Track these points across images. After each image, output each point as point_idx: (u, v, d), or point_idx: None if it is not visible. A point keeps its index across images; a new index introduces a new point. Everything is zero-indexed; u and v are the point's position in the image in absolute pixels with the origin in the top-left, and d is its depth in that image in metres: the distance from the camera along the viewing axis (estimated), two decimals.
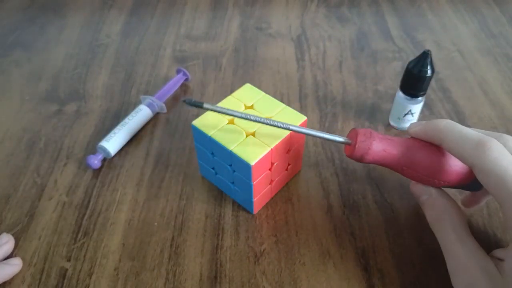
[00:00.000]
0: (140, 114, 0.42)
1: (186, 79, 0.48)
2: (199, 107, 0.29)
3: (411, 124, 0.32)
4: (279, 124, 0.30)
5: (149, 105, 0.43)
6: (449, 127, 0.28)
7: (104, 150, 0.39)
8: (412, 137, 0.32)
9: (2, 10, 0.60)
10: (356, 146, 0.30)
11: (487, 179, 0.26)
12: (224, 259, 0.33)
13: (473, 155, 0.26)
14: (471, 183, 0.31)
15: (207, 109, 0.29)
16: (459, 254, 0.27)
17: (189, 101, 0.29)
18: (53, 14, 0.59)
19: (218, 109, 0.30)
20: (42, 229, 0.35)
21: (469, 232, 0.29)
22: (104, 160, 0.40)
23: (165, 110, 0.45)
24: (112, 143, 0.40)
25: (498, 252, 0.27)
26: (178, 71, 0.47)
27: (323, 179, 0.38)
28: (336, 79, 0.49)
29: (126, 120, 0.41)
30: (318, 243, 0.34)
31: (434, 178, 0.30)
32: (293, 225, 0.35)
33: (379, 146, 0.30)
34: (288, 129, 0.30)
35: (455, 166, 0.30)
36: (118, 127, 0.41)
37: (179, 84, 0.47)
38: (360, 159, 0.31)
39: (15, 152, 0.41)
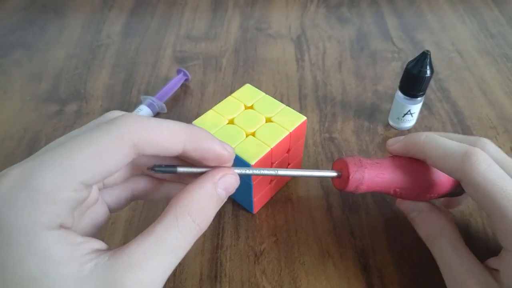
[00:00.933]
0: (140, 115, 0.42)
1: (186, 79, 0.48)
2: (173, 172, 0.21)
3: (389, 141, 0.31)
4: (264, 172, 0.25)
5: (150, 105, 0.43)
6: (431, 142, 0.28)
7: None
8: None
9: (2, 10, 0.60)
10: (350, 178, 0.28)
11: (475, 193, 0.25)
12: (224, 258, 0.33)
13: (460, 169, 0.26)
14: (458, 190, 0.31)
15: (182, 173, 0.22)
16: (457, 269, 0.27)
17: (159, 168, 0.21)
18: (54, 14, 0.60)
19: (195, 170, 0.22)
20: None
21: (464, 244, 0.28)
22: None
23: (165, 110, 0.45)
24: None
25: (492, 262, 0.27)
26: (178, 72, 0.48)
27: (322, 179, 0.38)
28: (335, 79, 0.49)
29: None
30: (318, 242, 0.34)
31: (428, 193, 0.30)
32: (293, 225, 0.35)
33: (372, 173, 0.28)
34: (276, 174, 0.26)
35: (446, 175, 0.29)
36: None
37: (179, 84, 0.47)
38: (354, 191, 0.29)
39: (15, 152, 0.41)
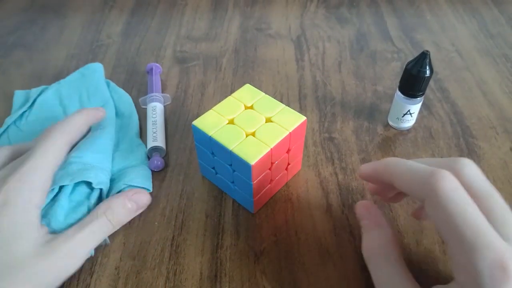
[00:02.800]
0: (160, 111, 0.43)
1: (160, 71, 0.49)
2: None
3: (361, 166, 0.31)
4: None
5: (159, 101, 0.44)
6: (398, 163, 0.27)
7: (160, 150, 0.40)
8: None
9: (3, 10, 0.60)
10: None
11: (436, 214, 0.24)
12: (224, 258, 0.33)
13: (424, 189, 0.24)
14: None
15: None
16: None
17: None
18: (54, 14, 0.60)
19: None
20: None
21: (405, 268, 0.27)
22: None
23: (169, 101, 0.46)
24: (161, 141, 0.40)
25: None
26: (148, 67, 0.48)
27: (322, 179, 0.39)
28: (335, 79, 0.49)
29: (153, 119, 0.42)
30: (318, 242, 0.34)
31: None
32: (292, 225, 0.35)
33: None
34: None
35: None
36: (152, 127, 0.41)
37: (158, 75, 0.48)
38: None
39: None
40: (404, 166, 0.27)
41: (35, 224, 0.29)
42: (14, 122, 0.42)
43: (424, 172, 0.25)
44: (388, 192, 0.33)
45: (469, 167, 0.26)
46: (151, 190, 0.37)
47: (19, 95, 0.46)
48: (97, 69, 0.47)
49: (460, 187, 0.24)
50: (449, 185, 0.24)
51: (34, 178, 0.29)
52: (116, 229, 0.33)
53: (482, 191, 0.25)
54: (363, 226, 0.30)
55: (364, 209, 0.31)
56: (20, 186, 0.29)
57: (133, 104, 0.45)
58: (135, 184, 0.36)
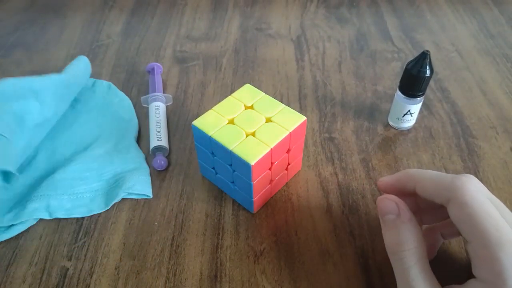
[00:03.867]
0: (162, 110, 0.43)
1: (160, 71, 0.49)
2: None
3: (381, 179, 0.32)
4: None
5: (161, 101, 0.44)
6: (420, 171, 0.29)
7: (163, 149, 0.40)
8: None
9: (3, 10, 0.60)
10: None
11: (461, 213, 0.25)
12: (224, 258, 0.33)
13: (450, 189, 0.26)
14: None
15: None
16: None
17: None
18: (54, 14, 0.60)
19: None
20: (43, 228, 0.35)
21: (429, 267, 0.27)
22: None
23: (171, 101, 0.46)
24: (165, 141, 0.41)
25: None
26: (149, 67, 0.48)
27: (322, 179, 0.38)
28: (335, 79, 0.49)
29: (156, 119, 0.42)
30: (318, 242, 0.34)
31: None
32: (292, 225, 0.35)
33: None
34: None
35: None
36: (156, 127, 0.41)
37: (160, 75, 0.48)
38: None
39: None
40: (427, 173, 0.28)
41: None
42: None
43: (447, 177, 0.27)
44: None
45: (476, 181, 0.27)
46: (151, 197, 0.37)
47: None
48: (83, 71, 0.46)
49: (483, 189, 0.26)
50: (474, 187, 0.26)
51: None
52: None
53: (490, 199, 0.26)
54: (389, 221, 0.28)
55: (392, 203, 0.29)
56: None
57: (133, 109, 0.45)
58: (136, 192, 0.36)
